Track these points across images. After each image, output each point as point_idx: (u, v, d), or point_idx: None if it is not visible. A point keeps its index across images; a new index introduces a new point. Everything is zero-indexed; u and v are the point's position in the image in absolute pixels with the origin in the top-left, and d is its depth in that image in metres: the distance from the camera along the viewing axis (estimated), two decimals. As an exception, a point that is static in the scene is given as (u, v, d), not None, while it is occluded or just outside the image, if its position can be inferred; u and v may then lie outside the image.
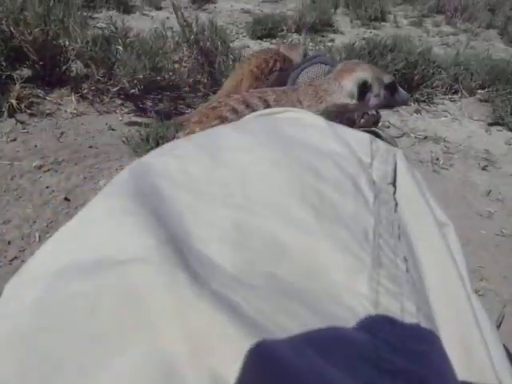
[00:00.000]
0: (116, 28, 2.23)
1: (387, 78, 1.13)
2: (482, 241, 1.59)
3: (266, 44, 4.25)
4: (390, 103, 1.16)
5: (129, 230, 0.30)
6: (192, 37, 2.32)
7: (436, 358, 0.30)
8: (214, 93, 2.54)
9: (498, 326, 1.20)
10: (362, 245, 0.33)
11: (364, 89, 1.08)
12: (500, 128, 2.64)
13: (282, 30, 4.57)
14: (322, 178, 0.40)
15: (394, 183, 0.49)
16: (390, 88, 1.12)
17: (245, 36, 4.46)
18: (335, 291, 0.29)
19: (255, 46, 4.14)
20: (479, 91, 2.93)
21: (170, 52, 2.39)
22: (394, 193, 0.48)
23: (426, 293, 0.40)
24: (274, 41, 4.36)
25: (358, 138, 0.52)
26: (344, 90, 1.09)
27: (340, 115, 1.18)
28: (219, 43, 2.49)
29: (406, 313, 0.30)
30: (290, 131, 0.48)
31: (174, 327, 0.23)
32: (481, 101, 2.90)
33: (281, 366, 0.22)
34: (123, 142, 1.75)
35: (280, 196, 0.36)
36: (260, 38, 4.39)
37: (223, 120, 1.03)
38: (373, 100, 1.12)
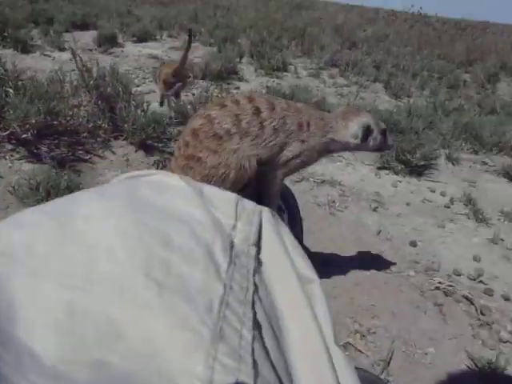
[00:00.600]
0: (6, 70, 2.10)
1: (383, 125, 1.32)
2: (372, 280, 1.70)
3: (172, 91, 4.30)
4: (382, 147, 1.34)
5: None
6: (91, 82, 2.27)
7: None
8: (115, 138, 2.49)
9: (388, 362, 1.27)
10: (204, 318, 0.33)
11: (367, 132, 1.24)
12: (387, 172, 2.91)
13: (189, 77, 4.66)
14: (173, 248, 0.41)
15: (258, 243, 0.51)
16: (384, 134, 1.30)
17: (151, 81, 4.47)
18: (170, 374, 0.28)
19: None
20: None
21: (68, 96, 2.31)
22: (259, 253, 0.50)
23: (283, 353, 0.41)
24: (180, 87, 4.44)
25: (223, 199, 0.54)
26: (349, 130, 1.23)
27: (337, 151, 1.34)
28: (120, 89, 2.46)
29: None
30: (150, 196, 0.48)
31: None
32: (370, 147, 3.19)
33: None
34: (8, 191, 1.62)
35: (124, 274, 0.35)
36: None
37: (223, 106, 1.07)
38: (371, 142, 1.28)
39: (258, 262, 0.49)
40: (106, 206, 0.45)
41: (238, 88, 4.76)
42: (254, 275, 0.45)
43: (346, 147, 1.27)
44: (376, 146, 1.29)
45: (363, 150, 1.30)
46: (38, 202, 1.56)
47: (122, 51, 6.07)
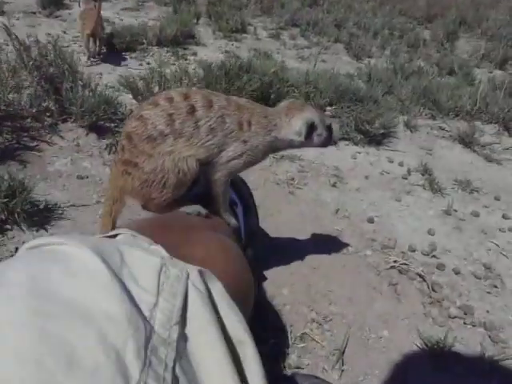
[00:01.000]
0: None
1: (328, 121, 1.28)
2: (330, 262, 1.73)
3: (125, 58, 4.07)
4: (327, 142, 1.30)
5: None
6: (31, 62, 2.10)
7: None
8: (64, 121, 2.36)
9: (343, 351, 1.31)
10: None
11: (311, 129, 1.20)
12: (347, 143, 2.91)
13: (143, 43, 4.42)
14: (77, 369, 0.37)
15: (184, 314, 0.49)
16: (329, 129, 1.27)
17: (102, 49, 4.21)
18: None
19: (114, 60, 3.94)
20: (328, 108, 3.20)
21: (6, 79, 2.14)
22: (184, 326, 0.48)
23: None
24: (133, 55, 4.20)
25: (146, 267, 0.51)
26: (293, 127, 1.18)
27: (282, 149, 1.32)
28: (65, 68, 2.30)
29: None
30: (56, 284, 0.44)
31: None
32: (330, 116, 3.17)
33: None
34: None
35: None
36: (119, 51, 4.19)
37: (156, 105, 1.01)
38: (316, 139, 1.24)
39: (183, 338, 0.47)
40: (2, 305, 0.40)
41: (195, 54, 4.57)
42: (173, 366, 0.43)
43: (291, 144, 1.24)
44: (321, 142, 1.27)
45: (308, 146, 1.27)
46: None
47: (70, 14, 5.66)
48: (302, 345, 1.32)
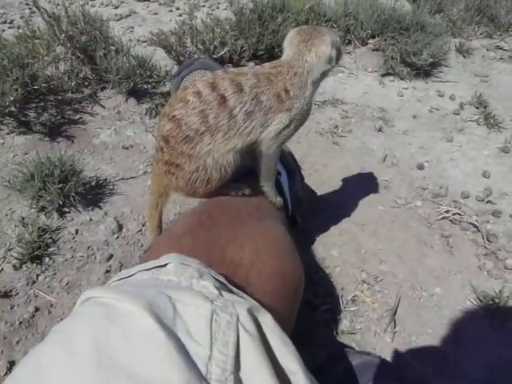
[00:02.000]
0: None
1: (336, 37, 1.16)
2: (379, 217, 1.71)
3: (154, 6, 3.93)
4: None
5: None
6: (63, 35, 2.09)
7: None
8: (102, 89, 2.37)
9: (395, 312, 1.34)
10: None
11: (339, 50, 1.13)
12: (392, 78, 2.74)
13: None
14: None
15: (237, 358, 0.51)
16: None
17: (129, -2, 4.08)
18: None
19: (143, 9, 3.82)
20: (370, 41, 2.98)
21: (41, 55, 2.16)
22: (238, 370, 0.51)
23: None
24: (161, 0, 4.04)
25: (197, 316, 0.52)
26: (323, 59, 1.09)
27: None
28: (96, 35, 2.27)
29: None
30: (117, 351, 0.46)
31: None
32: (373, 50, 2.96)
33: None
34: (6, 186, 1.61)
35: None
36: (147, -1, 4.04)
37: (186, 102, 0.99)
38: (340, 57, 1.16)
39: (238, 383, 0.49)
40: (75, 377, 0.44)
41: (224, -10, 4.32)
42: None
43: (326, 75, 1.15)
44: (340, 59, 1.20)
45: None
46: (37, 192, 1.56)
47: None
48: (354, 308, 1.35)
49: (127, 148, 2.03)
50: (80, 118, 2.20)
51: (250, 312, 0.56)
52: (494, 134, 2.25)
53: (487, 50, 3.11)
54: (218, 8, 3.89)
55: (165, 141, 1.01)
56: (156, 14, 3.75)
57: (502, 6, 3.32)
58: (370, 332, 1.29)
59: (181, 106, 0.99)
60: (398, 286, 1.43)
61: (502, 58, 3.01)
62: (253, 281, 0.78)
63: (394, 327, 1.30)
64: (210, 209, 1.04)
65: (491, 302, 1.37)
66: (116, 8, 3.88)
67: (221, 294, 0.59)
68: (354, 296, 1.39)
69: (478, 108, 2.44)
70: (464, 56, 3.00)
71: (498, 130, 2.27)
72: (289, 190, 1.44)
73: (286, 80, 1.07)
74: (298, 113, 1.09)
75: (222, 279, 0.66)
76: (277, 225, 1.03)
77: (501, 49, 3.15)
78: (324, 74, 1.14)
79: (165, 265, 0.65)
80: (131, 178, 1.85)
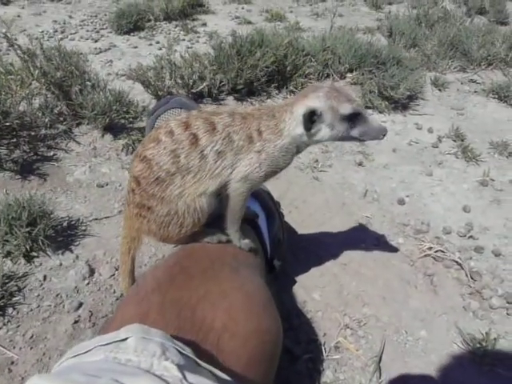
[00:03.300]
0: None
1: (346, 108, 0.98)
2: (361, 256, 1.66)
3: (134, 39, 3.94)
4: (353, 137, 1.03)
5: None
6: (37, 71, 2.05)
7: None
8: (78, 125, 2.32)
9: (379, 359, 1.28)
10: None
11: (310, 118, 0.98)
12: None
13: (150, 20, 4.26)
14: None
15: None
16: (351, 119, 0.99)
17: (110, 32, 4.09)
18: None
19: (122, 42, 3.82)
20: (348, 74, 3.02)
21: (15, 91, 2.10)
22: None
23: None
24: (142, 34, 4.05)
25: None
26: (295, 119, 1.00)
27: (305, 148, 1.08)
28: (71, 70, 2.23)
29: None
30: None
31: None
32: (351, 84, 3.00)
33: None
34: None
35: None
36: (127, 32, 4.05)
37: (158, 142, 0.94)
38: (324, 132, 1.01)
39: None
40: None
41: (205, 24, 4.38)
42: None
43: (301, 141, 1.04)
44: (338, 136, 1.02)
45: (318, 142, 1.07)
46: (2, 236, 1.47)
47: (75, -3, 5.48)
48: (337, 356, 1.29)
49: (102, 186, 1.96)
50: (54, 154, 2.14)
51: None
52: (472, 167, 2.27)
53: (461, 83, 3.19)
54: (197, 42, 3.92)
55: (136, 182, 0.97)
56: (136, 47, 3.75)
57: (474, 42, 3.42)
58: (354, 382, 1.22)
59: (153, 145, 0.95)
60: (382, 331, 1.38)
61: (475, 91, 3.08)
62: (225, 346, 0.71)
63: (380, 377, 1.24)
64: (182, 259, 0.98)
65: (478, 345, 1.32)
66: (96, 41, 3.87)
67: (184, 378, 0.53)
68: (337, 343, 1.33)
69: (455, 141, 2.46)
70: (439, 89, 3.06)
71: (476, 163, 2.28)
72: (268, 233, 1.39)
73: (261, 120, 1.03)
74: (267, 158, 1.02)
75: (188, 353, 0.59)
76: (253, 277, 0.98)
77: (474, 82, 3.23)
78: (301, 140, 1.03)
79: (125, 339, 0.58)
80: (105, 217, 1.78)
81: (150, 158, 0.95)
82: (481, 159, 2.31)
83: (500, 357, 1.30)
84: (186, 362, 0.57)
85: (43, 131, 2.20)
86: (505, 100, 2.91)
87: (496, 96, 2.96)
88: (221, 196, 1.12)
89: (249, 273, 0.98)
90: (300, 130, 1.01)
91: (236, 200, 1.07)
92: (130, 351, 0.56)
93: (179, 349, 0.59)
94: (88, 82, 2.26)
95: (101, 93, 2.25)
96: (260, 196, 1.44)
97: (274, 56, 2.71)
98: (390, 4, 5.12)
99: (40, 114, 2.19)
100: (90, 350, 0.59)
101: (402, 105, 2.80)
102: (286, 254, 1.60)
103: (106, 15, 4.57)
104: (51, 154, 2.14)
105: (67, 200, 1.87)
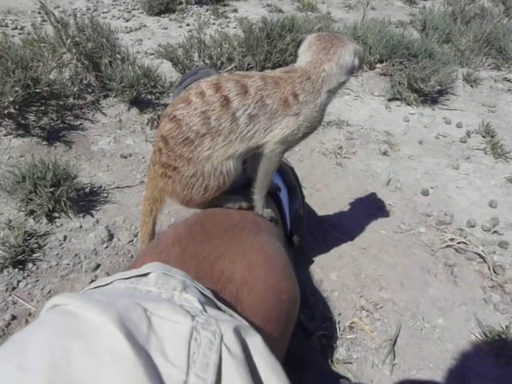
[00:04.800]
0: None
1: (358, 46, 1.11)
2: (381, 242, 1.64)
3: (164, 21, 3.96)
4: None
5: None
6: (69, 40, 2.07)
7: None
8: (105, 97, 2.34)
9: (394, 342, 1.26)
10: None
11: (362, 58, 1.08)
12: (399, 103, 2.71)
13: (181, 3, 4.27)
14: None
15: (219, 380, 0.44)
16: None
17: (142, 13, 4.12)
18: None
19: (153, 23, 3.85)
20: (378, 65, 2.96)
21: (46, 59, 2.13)
22: None
23: None
24: (172, 16, 4.07)
25: (174, 335, 0.46)
26: (345, 66, 1.04)
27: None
28: (103, 42, 2.25)
29: None
30: (78, 371, 0.39)
31: None
32: (380, 75, 2.95)
33: None
34: (-5, 187, 1.55)
35: None
36: (158, 13, 4.07)
37: (189, 103, 0.94)
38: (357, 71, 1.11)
39: None
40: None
41: (235, 11, 4.37)
42: None
43: (343, 85, 1.10)
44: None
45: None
46: (26, 195, 1.49)
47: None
48: (351, 336, 1.27)
49: (126, 157, 1.98)
50: (80, 124, 2.16)
51: (237, 332, 0.49)
52: (501, 163, 2.21)
53: (495, 81, 3.10)
54: (227, 26, 3.92)
55: (164, 141, 0.96)
56: (166, 28, 3.77)
57: (511, 39, 3.32)
58: (367, 362, 1.20)
59: (183, 106, 0.94)
60: (398, 315, 1.35)
61: (509, 90, 3.00)
62: (243, 298, 0.71)
63: (394, 359, 1.21)
64: (202, 219, 0.98)
65: (497, 338, 1.29)
66: (127, 21, 3.91)
67: (204, 310, 0.52)
68: (351, 323, 1.31)
69: (484, 137, 2.40)
70: (471, 85, 2.99)
71: (505, 160, 2.22)
72: (289, 208, 1.37)
73: (295, 84, 1.02)
74: (306, 119, 1.03)
75: (208, 294, 0.59)
76: (273, 241, 0.97)
77: (508, 81, 3.13)
78: (343, 83, 1.09)
79: (146, 274, 0.58)
80: (127, 187, 1.79)
81: (179, 118, 0.94)
82: (510, 157, 2.24)
83: (519, 351, 1.26)
84: (206, 300, 0.56)
85: (71, 101, 2.22)
86: (539, 100, 2.82)
87: (530, 95, 2.87)
88: (245, 165, 1.11)
89: (269, 237, 0.97)
90: (344, 76, 1.06)
91: (272, 161, 1.05)
92: (150, 284, 0.55)
93: (200, 289, 0.58)
94: (118, 55, 2.28)
95: (129, 66, 2.26)
96: (284, 171, 1.42)
97: (304, 41, 2.68)
98: (424, 0, 5.01)
99: (69, 84, 2.21)
100: (110, 283, 0.59)
101: (431, 98, 2.74)
102: (305, 234, 1.58)
103: (136, -2, 4.60)
104: (78, 123, 2.17)
105: (90, 167, 1.89)
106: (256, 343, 0.51)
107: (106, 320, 0.43)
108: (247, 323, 0.58)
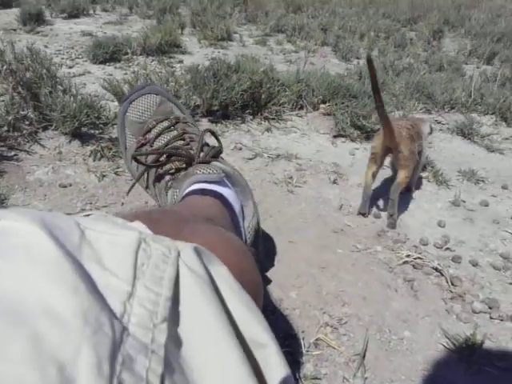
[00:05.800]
0: None
1: None
2: (340, 261, 1.59)
3: (109, 69, 3.95)
4: None
5: None
6: (4, 67, 1.96)
7: None
8: (44, 129, 2.22)
9: (363, 355, 1.17)
10: None
11: None
12: (344, 140, 2.80)
13: (127, 53, 4.31)
14: None
15: (175, 308, 0.35)
16: None
17: (85, 61, 4.09)
18: None
19: (97, 70, 3.82)
20: (321, 106, 3.08)
21: (-21, 86, 2.00)
22: (177, 325, 0.34)
23: None
24: (118, 65, 4.08)
25: (115, 250, 0.36)
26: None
27: None
28: (44, 72, 2.16)
29: None
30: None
31: None
32: (324, 114, 3.06)
33: None
34: None
35: None
36: (102, 62, 4.06)
37: None
38: None
39: (175, 343, 0.33)
40: None
41: (181, 62, 4.46)
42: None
43: None
44: None
45: None
46: None
47: (51, 29, 5.54)
48: (318, 352, 1.17)
49: (65, 186, 1.83)
50: (15, 155, 2.01)
51: (198, 254, 0.40)
52: (443, 190, 2.29)
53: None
54: (173, 74, 3.97)
55: None
56: (111, 75, 3.74)
57: (437, 88, 3.62)
58: (337, 378, 1.10)
59: None
60: (364, 329, 1.27)
61: (441, 130, 3.21)
62: None
63: (365, 372, 1.12)
64: (152, 211, 0.88)
65: (465, 346, 1.24)
66: (70, 68, 3.86)
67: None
68: (316, 339, 1.21)
69: (425, 167, 2.51)
70: (408, 125, 3.17)
71: (447, 187, 2.31)
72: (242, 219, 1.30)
73: None
74: None
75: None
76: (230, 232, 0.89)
77: (439, 123, 3.37)
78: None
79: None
80: (66, 214, 1.64)
81: None
82: (451, 184, 2.34)
83: (488, 356, 1.22)
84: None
85: (4, 132, 2.07)
86: (468, 137, 3.04)
87: (460, 133, 3.08)
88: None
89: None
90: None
91: None
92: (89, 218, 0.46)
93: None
94: (60, 86, 2.19)
95: (71, 98, 2.18)
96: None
97: (250, 80, 2.75)
98: (357, 58, 5.42)
99: (4, 114, 2.08)
100: None
101: (373, 134, 2.86)
102: (261, 255, 1.50)
103: (82, 47, 4.59)
104: (11, 154, 2.01)
105: (25, 197, 1.72)
106: (222, 272, 0.42)
107: (23, 219, 0.33)
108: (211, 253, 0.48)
